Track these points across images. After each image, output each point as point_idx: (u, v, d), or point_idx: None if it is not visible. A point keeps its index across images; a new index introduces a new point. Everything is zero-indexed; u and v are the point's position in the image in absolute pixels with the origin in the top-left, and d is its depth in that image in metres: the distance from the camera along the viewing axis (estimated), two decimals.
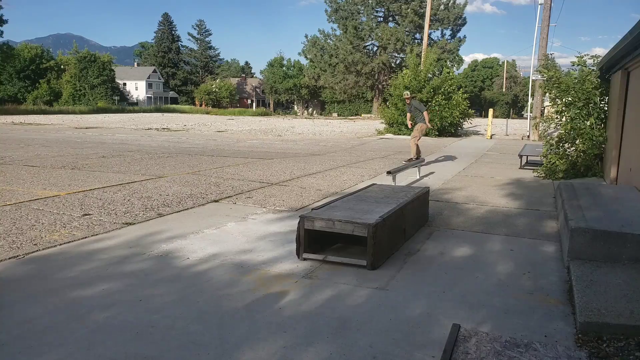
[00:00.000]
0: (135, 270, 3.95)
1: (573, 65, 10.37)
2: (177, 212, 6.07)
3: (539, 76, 12.07)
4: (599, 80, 9.92)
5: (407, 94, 11.10)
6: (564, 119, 10.13)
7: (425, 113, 10.67)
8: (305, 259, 4.24)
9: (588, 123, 9.64)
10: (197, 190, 7.51)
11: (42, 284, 3.60)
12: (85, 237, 4.85)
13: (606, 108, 9.85)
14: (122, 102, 66.71)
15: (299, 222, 4.25)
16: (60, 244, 4.60)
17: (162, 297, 3.41)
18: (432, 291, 3.60)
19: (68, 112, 48.81)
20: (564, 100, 10.18)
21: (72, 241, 4.70)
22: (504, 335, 2.85)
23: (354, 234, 4.08)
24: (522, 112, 66.26)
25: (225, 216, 5.87)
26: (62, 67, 66.25)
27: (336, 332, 2.92)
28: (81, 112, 49.79)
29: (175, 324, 2.99)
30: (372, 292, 3.58)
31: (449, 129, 23.21)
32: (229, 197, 7.05)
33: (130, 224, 5.43)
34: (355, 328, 2.98)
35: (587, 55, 10.17)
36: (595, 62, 10.01)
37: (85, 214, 5.81)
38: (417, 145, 10.54)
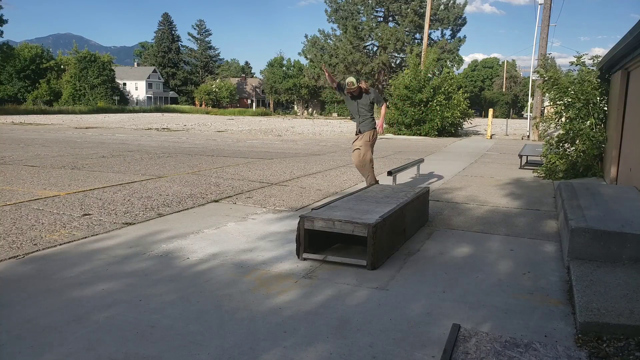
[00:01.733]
0: (135, 270, 3.95)
1: (572, 65, 10.38)
2: (177, 212, 6.07)
3: (538, 76, 12.08)
4: (599, 80, 9.93)
5: (351, 81, 6.81)
6: (562, 119, 10.14)
7: (383, 107, 6.99)
8: (305, 259, 4.24)
9: (588, 123, 9.64)
10: (197, 190, 7.50)
11: (42, 284, 3.60)
12: (85, 237, 4.85)
13: (606, 108, 9.85)
14: (121, 103, 66.65)
15: (299, 222, 4.25)
16: (60, 244, 4.60)
17: (162, 297, 3.41)
18: (432, 291, 3.60)
19: (68, 112, 48.81)
20: (563, 100, 10.19)
21: (72, 241, 4.70)
22: (504, 335, 2.85)
23: (354, 234, 4.08)
24: (522, 112, 66.28)
25: (225, 216, 5.87)
26: (62, 67, 66.25)
27: (336, 332, 2.92)
28: (81, 112, 49.80)
29: (175, 324, 2.99)
30: (372, 292, 3.58)
31: (449, 129, 23.23)
32: (229, 197, 7.05)
33: (130, 224, 5.43)
34: (355, 328, 2.98)
35: (586, 55, 10.19)
36: (595, 62, 10.02)
37: (85, 214, 5.81)
38: (372, 166, 7.01)
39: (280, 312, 3.20)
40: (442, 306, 3.33)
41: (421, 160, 9.74)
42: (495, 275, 3.95)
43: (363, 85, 6.96)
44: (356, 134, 7.15)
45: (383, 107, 7.02)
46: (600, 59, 9.79)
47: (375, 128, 7.06)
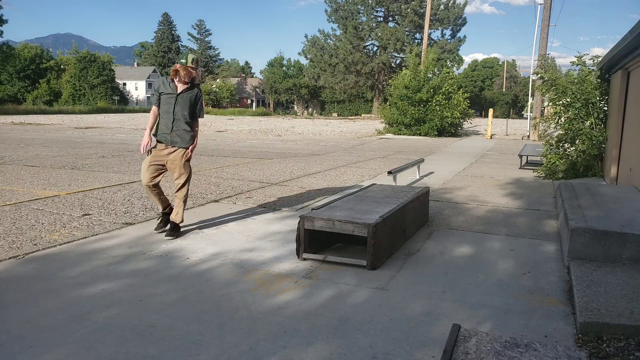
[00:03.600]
0: (135, 270, 3.95)
1: (573, 65, 10.40)
2: None
3: (537, 77, 12.10)
4: (599, 80, 9.93)
5: (194, 59, 4.77)
6: (562, 119, 10.15)
7: (196, 122, 4.99)
8: (305, 259, 4.24)
9: (587, 123, 9.65)
10: (197, 190, 7.50)
11: (42, 284, 3.60)
12: (85, 237, 4.85)
13: (606, 108, 9.85)
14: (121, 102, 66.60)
15: (299, 222, 4.25)
16: (60, 244, 4.59)
17: (162, 297, 3.41)
18: (432, 291, 3.60)
19: (68, 112, 48.79)
20: (562, 101, 10.19)
21: (72, 241, 4.70)
22: (504, 335, 2.85)
23: (354, 234, 4.07)
24: (522, 112, 66.26)
25: (225, 216, 5.86)
26: (62, 67, 66.22)
27: (336, 332, 2.92)
28: (81, 112, 49.77)
29: (175, 324, 2.99)
30: (372, 292, 3.57)
31: (449, 129, 23.22)
32: (229, 197, 7.05)
33: (130, 224, 5.43)
34: (355, 328, 2.98)
35: (587, 55, 10.21)
36: (595, 62, 10.02)
37: (85, 214, 5.81)
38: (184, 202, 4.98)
39: (280, 312, 3.19)
40: (442, 306, 3.33)
41: (421, 160, 9.74)
42: (496, 275, 3.95)
43: (194, 73, 4.82)
44: (162, 143, 4.91)
45: (197, 123, 4.98)
46: (600, 59, 9.79)
47: (189, 147, 4.91)
